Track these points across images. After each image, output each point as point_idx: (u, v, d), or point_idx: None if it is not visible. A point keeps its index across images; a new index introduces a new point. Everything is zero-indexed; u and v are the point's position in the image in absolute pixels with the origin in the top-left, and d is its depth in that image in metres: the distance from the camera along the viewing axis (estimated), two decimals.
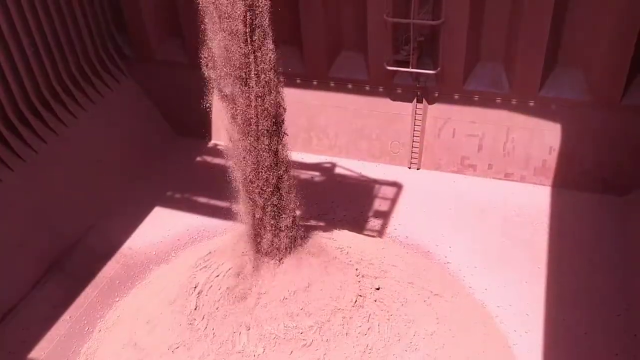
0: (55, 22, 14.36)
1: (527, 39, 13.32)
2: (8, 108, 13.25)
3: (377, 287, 10.63)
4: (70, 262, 13.15)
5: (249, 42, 8.47)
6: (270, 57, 8.75)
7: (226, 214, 11.95)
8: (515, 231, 13.38)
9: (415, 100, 15.19)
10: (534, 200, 14.21)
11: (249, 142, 9.24)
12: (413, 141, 15.46)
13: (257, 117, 9.03)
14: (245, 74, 8.71)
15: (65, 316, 11.85)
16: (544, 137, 14.35)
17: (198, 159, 16.51)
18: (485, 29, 14.10)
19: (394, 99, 15.45)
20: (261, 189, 9.64)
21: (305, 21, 14.94)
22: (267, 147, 9.29)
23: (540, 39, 13.18)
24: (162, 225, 14.18)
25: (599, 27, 12.89)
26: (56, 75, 14.62)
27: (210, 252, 11.60)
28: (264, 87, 8.88)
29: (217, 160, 15.82)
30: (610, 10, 12.55)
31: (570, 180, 14.36)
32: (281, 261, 10.44)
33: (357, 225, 13.78)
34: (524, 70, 13.79)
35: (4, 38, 12.94)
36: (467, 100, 14.79)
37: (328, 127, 16.18)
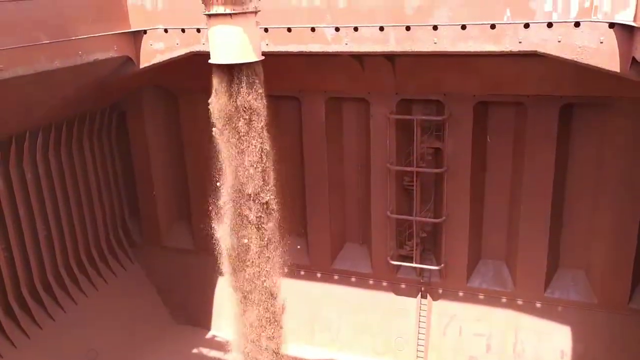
0: (72, 209, 14.96)
1: (527, 238, 13.59)
2: (10, 291, 13.18)
3: None
4: None
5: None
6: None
7: None
8: None
9: (419, 295, 15.02)
10: None
11: None
12: (418, 338, 14.91)
13: None
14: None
15: None
16: (553, 339, 13.82)
17: (194, 350, 15.83)
18: (486, 228, 14.48)
19: (397, 294, 15.29)
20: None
21: (312, 213, 15.50)
22: None
23: (540, 238, 13.44)
24: None
25: (596, 229, 13.23)
26: (64, 260, 14.81)
27: None
28: None
29: (213, 354, 15.21)
30: (606, 212, 12.97)
31: None
32: None
33: None
34: (527, 269, 13.83)
35: (19, 221, 13.36)
36: (472, 297, 14.60)
37: (330, 320, 15.78)
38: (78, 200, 15.23)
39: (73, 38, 11.19)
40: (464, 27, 10.35)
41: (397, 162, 14.32)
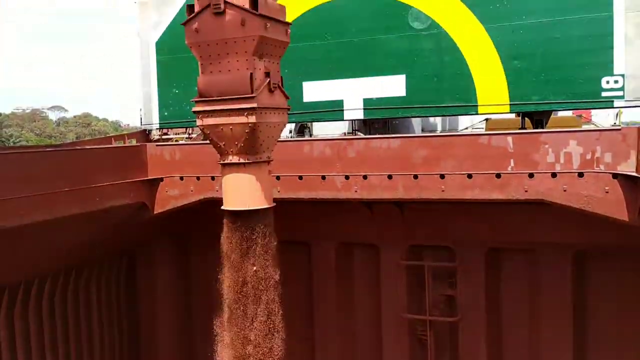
0: (72, 357, 14.36)
1: None
2: None
3: None
4: None
5: None
6: None
7: None
8: None
9: None
10: None
11: None
12: None
13: None
14: None
15: None
16: None
17: None
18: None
19: None
20: None
21: (319, 327, 14.77)
22: None
23: None
24: None
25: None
26: None
27: None
28: None
29: None
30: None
31: None
32: None
33: None
34: None
35: None
36: None
37: None
38: (79, 348, 14.67)
39: (92, 186, 11.61)
40: (470, 176, 10.66)
41: (409, 309, 13.91)
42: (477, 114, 13.19)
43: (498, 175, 10.48)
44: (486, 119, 17.59)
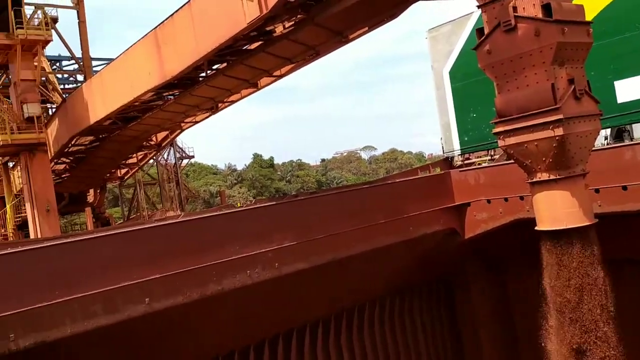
0: None
1: None
2: None
3: None
4: None
5: None
6: None
7: None
8: None
9: None
10: None
11: None
12: None
13: None
14: None
15: None
16: None
17: None
18: None
19: None
20: None
21: None
22: None
23: None
24: None
25: None
26: None
27: None
28: None
29: None
30: None
31: None
32: None
33: None
34: None
35: None
36: None
37: None
38: None
39: (405, 216, 12.42)
40: None
41: None
42: None
43: None
44: None
